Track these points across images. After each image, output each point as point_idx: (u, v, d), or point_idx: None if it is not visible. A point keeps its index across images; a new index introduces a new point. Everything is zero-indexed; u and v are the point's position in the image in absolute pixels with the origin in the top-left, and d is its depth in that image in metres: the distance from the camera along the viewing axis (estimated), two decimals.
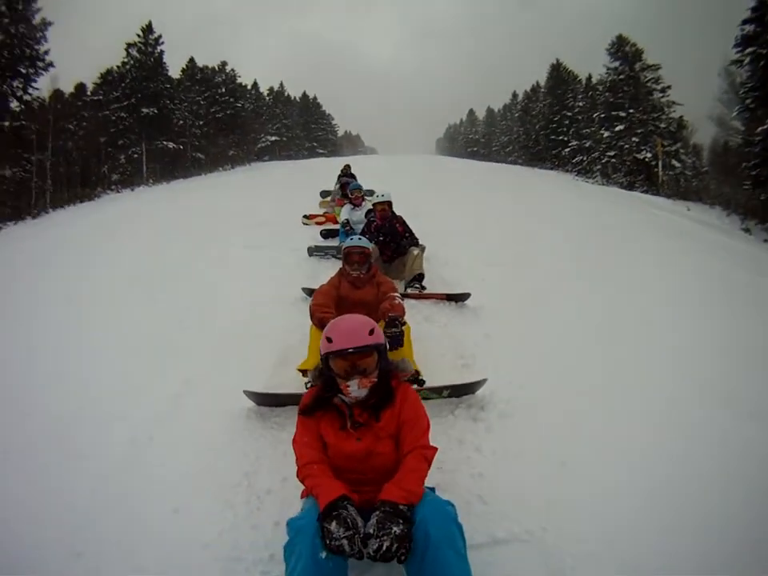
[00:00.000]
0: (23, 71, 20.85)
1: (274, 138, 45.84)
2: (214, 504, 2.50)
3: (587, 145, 32.11)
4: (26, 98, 21.09)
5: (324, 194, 12.06)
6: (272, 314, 4.87)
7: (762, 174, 16.75)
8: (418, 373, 3.41)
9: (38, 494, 2.58)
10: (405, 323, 3.57)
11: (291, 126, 50.73)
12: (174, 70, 33.79)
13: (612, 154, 28.13)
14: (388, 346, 3.06)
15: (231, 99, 37.79)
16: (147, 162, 28.48)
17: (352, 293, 4.01)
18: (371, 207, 6.41)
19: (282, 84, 52.78)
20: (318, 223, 9.14)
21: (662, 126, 27.11)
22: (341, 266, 4.25)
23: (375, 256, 5.08)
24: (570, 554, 2.13)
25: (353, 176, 11.48)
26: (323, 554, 1.67)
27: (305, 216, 9.40)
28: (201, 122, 34.47)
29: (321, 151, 51.40)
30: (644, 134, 26.99)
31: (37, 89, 21.58)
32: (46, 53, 21.39)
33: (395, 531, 1.67)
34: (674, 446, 2.88)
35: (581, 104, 36.23)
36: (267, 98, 49.63)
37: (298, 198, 11.98)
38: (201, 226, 9.54)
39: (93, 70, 34.68)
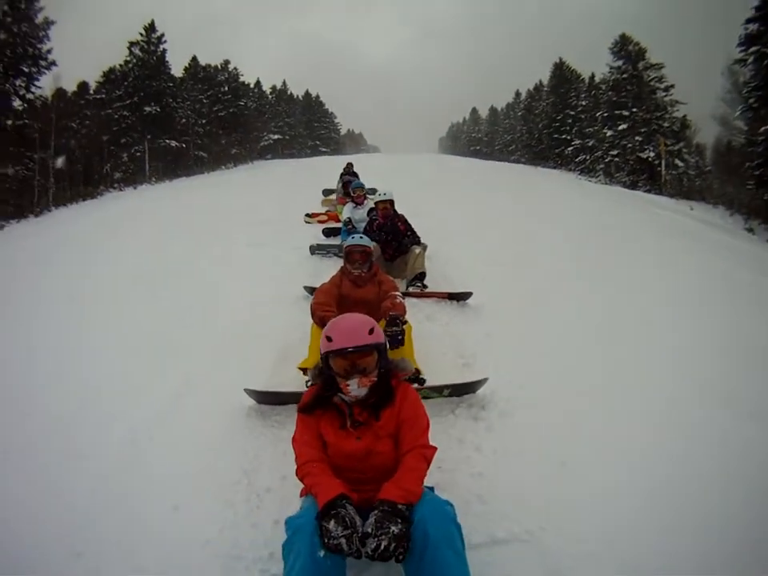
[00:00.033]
0: (26, 70, 20.91)
1: (276, 137, 45.90)
2: (214, 502, 2.50)
3: (590, 144, 32.07)
4: (29, 96, 21.16)
5: (326, 192, 12.06)
6: (273, 312, 4.88)
7: (766, 173, 16.71)
8: (418, 372, 3.42)
9: (38, 494, 2.58)
10: (406, 322, 3.57)
11: (294, 124, 50.78)
12: (177, 69, 33.89)
13: (615, 153, 28.08)
14: (389, 345, 3.07)
15: (234, 98, 37.80)
16: (150, 161, 28.51)
17: (353, 291, 4.01)
18: (373, 206, 6.40)
19: (284, 82, 52.93)
20: (320, 221, 9.14)
21: (665, 125, 27.03)
22: (342, 264, 4.25)
23: (377, 255, 5.08)
24: (569, 554, 2.12)
25: (355, 174, 11.46)
26: (321, 553, 1.67)
27: (307, 214, 9.41)
28: (203, 121, 34.51)
29: (323, 150, 51.43)
30: (647, 133, 26.91)
31: (39, 87, 21.68)
32: (49, 51, 21.47)
33: (393, 531, 1.66)
34: (673, 446, 2.88)
35: (584, 103, 36.17)
36: (270, 97, 49.65)
37: (300, 196, 11.99)
38: (203, 224, 9.54)
39: (95, 68, 34.67)
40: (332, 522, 1.70)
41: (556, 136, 38.46)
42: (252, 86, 44.75)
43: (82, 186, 23.47)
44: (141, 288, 5.82)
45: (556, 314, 4.85)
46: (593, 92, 34.68)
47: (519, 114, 48.49)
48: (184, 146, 31.03)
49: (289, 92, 53.45)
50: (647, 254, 7.57)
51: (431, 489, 2.09)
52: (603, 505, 2.41)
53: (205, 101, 35.96)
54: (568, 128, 37.42)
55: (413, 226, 5.90)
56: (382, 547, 1.65)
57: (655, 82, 27.75)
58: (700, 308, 5.27)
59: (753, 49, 17.35)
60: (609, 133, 28.46)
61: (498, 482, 2.57)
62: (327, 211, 9.77)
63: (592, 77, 36.51)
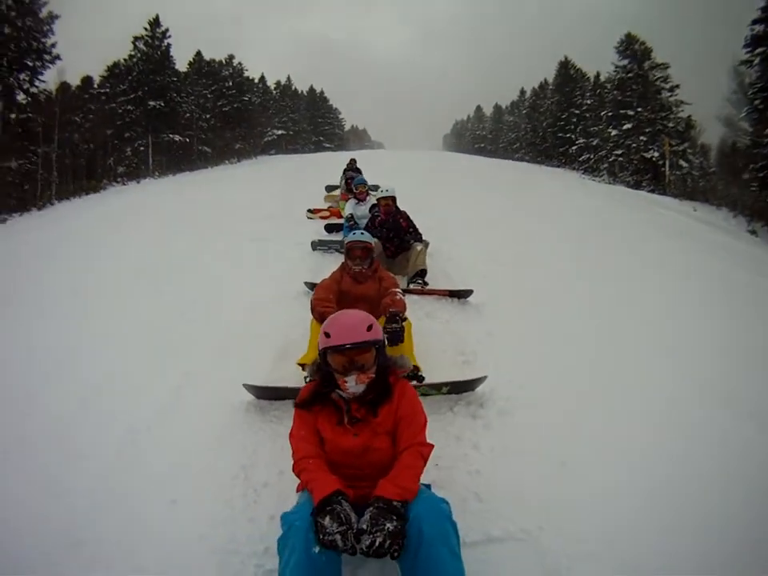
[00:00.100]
0: (30, 64, 21.01)
1: (280, 132, 45.87)
2: (212, 497, 2.50)
3: (594, 143, 32.05)
4: (33, 90, 21.27)
5: (329, 188, 12.04)
6: (274, 307, 4.87)
7: None
8: (417, 369, 3.41)
9: (38, 492, 2.58)
10: (406, 319, 3.55)
11: (298, 119, 50.75)
12: (181, 64, 33.91)
13: (619, 152, 28.04)
14: (388, 342, 3.06)
15: (238, 93, 37.79)
16: (153, 155, 28.59)
17: (354, 288, 4.00)
18: (375, 202, 6.39)
19: (289, 78, 52.85)
20: (322, 217, 9.12)
21: (670, 125, 26.98)
22: (343, 260, 4.24)
23: (378, 251, 5.07)
24: (567, 554, 2.12)
25: (358, 170, 11.43)
26: (316, 549, 1.67)
27: (309, 210, 9.40)
28: (207, 116, 34.55)
29: (327, 145, 51.42)
30: (652, 133, 26.87)
31: (43, 81, 21.81)
32: (53, 46, 21.57)
33: (388, 528, 1.66)
34: (673, 446, 2.87)
35: (589, 102, 36.13)
36: (274, 92, 49.62)
37: (303, 192, 11.97)
38: (206, 218, 9.56)
39: (100, 63, 34.86)
40: (327, 518, 1.69)
41: (560, 135, 38.42)
42: (256, 81, 44.76)
43: (85, 180, 23.60)
44: (144, 283, 5.83)
45: (557, 313, 4.83)
46: (598, 91, 34.61)
47: (524, 112, 48.41)
48: (188, 140, 31.08)
49: (293, 87, 53.42)
50: (648, 255, 7.56)
51: (428, 486, 2.09)
52: (602, 504, 2.40)
53: (209, 95, 36.00)
54: (572, 127, 37.39)
55: (415, 223, 5.89)
56: (377, 544, 1.64)
57: (660, 81, 27.69)
58: (700, 308, 5.27)
59: (759, 50, 17.29)
60: (613, 132, 28.42)
61: (496, 481, 2.56)
62: (329, 207, 9.75)
63: (597, 76, 36.47)
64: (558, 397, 3.33)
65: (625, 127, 27.67)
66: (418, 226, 5.88)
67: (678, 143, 26.63)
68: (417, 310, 4.62)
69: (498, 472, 2.63)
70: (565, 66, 40.05)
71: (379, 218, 5.86)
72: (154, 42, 30.41)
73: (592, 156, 32.15)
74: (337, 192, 10.98)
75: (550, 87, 42.50)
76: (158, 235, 8.42)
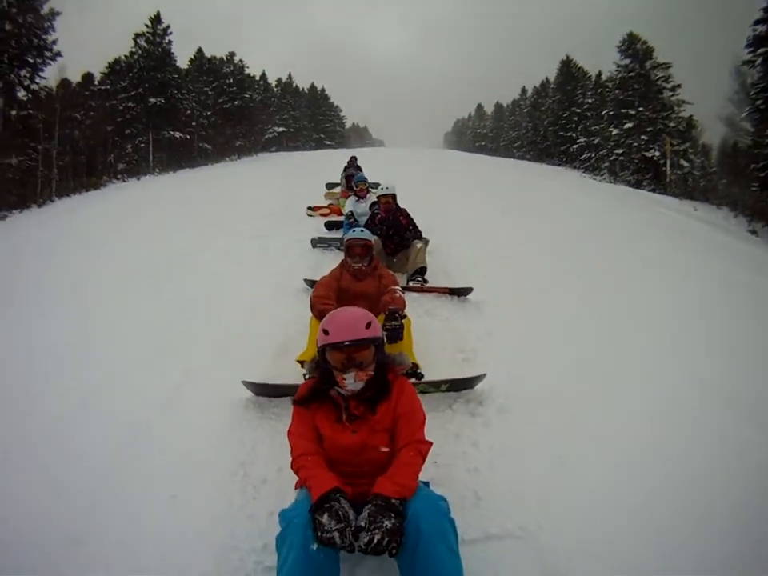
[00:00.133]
0: (31, 61, 21.00)
1: (281, 129, 45.80)
2: (211, 493, 2.50)
3: (596, 142, 32.05)
4: (33, 87, 21.26)
5: (330, 185, 12.03)
6: (274, 305, 4.86)
7: None
8: (416, 366, 3.40)
9: (38, 489, 2.57)
10: (405, 316, 3.55)
11: (299, 117, 50.69)
12: (182, 61, 33.85)
13: (620, 151, 28.04)
14: (387, 340, 3.06)
15: (239, 90, 37.73)
16: (154, 152, 28.56)
17: (353, 285, 4.00)
18: (376, 200, 6.38)
19: (290, 75, 52.75)
20: (322, 215, 9.11)
21: (672, 124, 26.99)
22: (343, 257, 4.23)
23: (378, 248, 5.06)
24: (566, 552, 2.11)
25: (358, 168, 11.42)
26: (314, 546, 1.67)
27: (309, 207, 9.39)
28: (208, 113, 34.51)
29: (328, 143, 51.35)
30: (653, 133, 26.86)
31: (44, 78, 21.83)
32: (54, 42, 21.56)
33: (386, 525, 1.66)
34: (673, 445, 2.86)
35: (590, 101, 36.08)
36: (275, 89, 49.56)
37: (303, 189, 11.95)
38: (207, 216, 9.56)
39: (101, 60, 34.71)
40: (325, 516, 1.69)
41: (561, 133, 38.39)
42: (258, 78, 44.69)
43: (86, 177, 23.58)
44: (143, 280, 5.83)
45: (556, 312, 4.82)
46: (599, 90, 34.56)
47: (525, 110, 48.36)
48: (188, 137, 31.04)
49: (294, 85, 53.36)
50: (649, 254, 7.54)
51: (426, 484, 2.09)
52: (602, 503, 2.40)
53: (210, 92, 35.95)
54: (574, 125, 37.36)
55: (415, 221, 5.88)
56: (375, 541, 1.64)
57: (662, 81, 27.68)
58: (700, 308, 5.26)
59: (761, 50, 17.29)
60: (614, 131, 28.41)
61: (495, 478, 2.56)
62: (330, 204, 9.74)
63: (599, 75, 36.42)
64: (558, 395, 3.32)
65: (626, 126, 27.66)
66: (417, 224, 5.87)
67: (679, 143, 26.63)
68: (416, 307, 4.61)
69: (497, 470, 2.63)
70: (566, 65, 40.01)
71: (379, 216, 5.85)
72: (155, 39, 30.35)
73: (593, 155, 32.17)
74: (337, 189, 10.97)
75: (552, 86, 42.45)
76: (158, 232, 8.41)
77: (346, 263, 4.12)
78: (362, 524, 1.68)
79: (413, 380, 3.19)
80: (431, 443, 2.06)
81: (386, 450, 2.03)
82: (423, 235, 5.78)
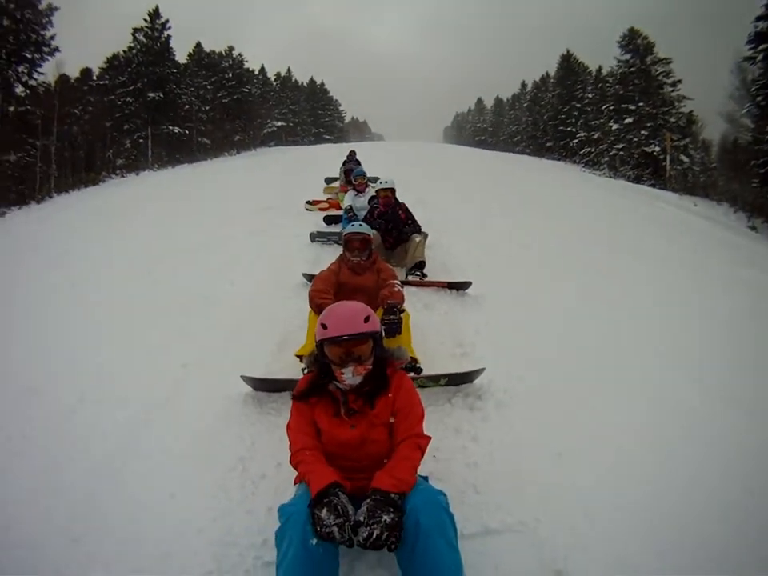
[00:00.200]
0: (29, 56, 20.99)
1: (280, 124, 45.71)
2: (209, 489, 2.49)
3: (595, 136, 31.96)
4: (32, 83, 21.24)
5: (329, 180, 12.00)
6: (272, 299, 4.86)
7: None
8: (415, 360, 3.40)
9: (37, 487, 2.57)
10: (404, 310, 3.54)
11: (298, 111, 50.60)
12: (181, 55, 33.77)
13: (620, 146, 28.00)
14: (386, 334, 3.05)
15: (238, 84, 37.63)
16: (152, 147, 28.53)
17: (352, 279, 3.98)
18: (375, 194, 6.36)
19: (289, 69, 52.60)
20: (321, 209, 9.09)
21: (672, 120, 26.95)
22: (342, 252, 4.22)
23: (377, 243, 5.05)
24: (564, 547, 2.11)
25: (358, 162, 11.38)
26: (314, 541, 1.67)
27: (308, 202, 9.37)
28: (207, 107, 34.45)
29: (327, 137, 51.25)
30: (653, 128, 26.83)
31: (42, 74, 21.81)
32: (52, 38, 21.55)
33: (385, 520, 1.66)
34: (673, 442, 2.85)
35: (590, 95, 36.00)
36: (274, 84, 49.42)
37: (302, 183, 11.94)
38: (205, 210, 9.57)
39: (99, 55, 34.78)
40: (324, 511, 1.68)
41: (561, 128, 38.34)
42: (256, 72, 44.57)
43: (84, 173, 23.52)
44: (142, 275, 5.82)
45: (556, 306, 4.82)
46: (599, 85, 34.48)
47: (525, 105, 48.28)
48: (187, 132, 31.00)
49: (293, 79, 53.21)
50: (649, 250, 7.54)
51: (425, 478, 2.08)
52: (600, 498, 2.39)
53: (209, 87, 35.87)
54: (574, 120, 37.30)
55: (414, 215, 5.87)
56: (374, 536, 1.64)
57: (663, 76, 27.62)
58: (700, 304, 5.25)
59: (762, 47, 17.25)
60: (614, 126, 28.37)
61: (494, 473, 2.55)
62: (329, 199, 9.72)
63: (599, 69, 36.34)
64: (557, 390, 3.31)
65: (626, 121, 27.63)
66: (416, 218, 5.85)
67: (680, 138, 26.60)
68: (415, 301, 4.61)
69: (496, 464, 2.62)
70: (567, 60, 39.92)
71: (378, 210, 5.83)
72: (153, 34, 30.28)
73: (593, 150, 32.09)
74: (336, 184, 10.94)
75: (552, 80, 42.37)
76: (157, 228, 8.42)
77: (344, 257, 4.11)
78: (361, 519, 1.67)
79: (411, 374, 3.19)
80: (430, 437, 2.05)
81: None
82: (422, 229, 5.77)
